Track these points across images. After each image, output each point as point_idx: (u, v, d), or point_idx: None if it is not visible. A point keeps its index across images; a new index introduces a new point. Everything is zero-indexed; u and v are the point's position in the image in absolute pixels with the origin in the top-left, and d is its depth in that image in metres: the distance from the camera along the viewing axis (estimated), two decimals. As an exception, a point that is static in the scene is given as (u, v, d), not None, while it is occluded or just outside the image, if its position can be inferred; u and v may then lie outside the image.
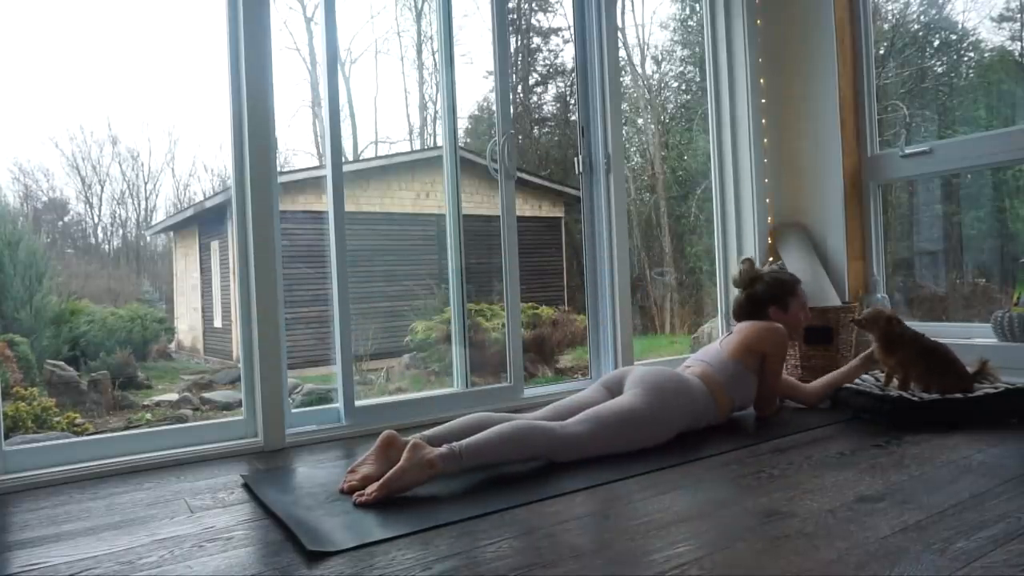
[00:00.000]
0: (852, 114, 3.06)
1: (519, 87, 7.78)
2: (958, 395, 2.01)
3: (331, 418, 2.23)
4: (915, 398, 2.02)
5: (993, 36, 3.24)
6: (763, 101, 3.19)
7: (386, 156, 5.94)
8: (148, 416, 4.21)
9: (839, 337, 2.71)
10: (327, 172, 2.25)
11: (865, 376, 2.32)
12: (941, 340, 2.15)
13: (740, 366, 2.08)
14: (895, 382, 2.16)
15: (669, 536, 1.22)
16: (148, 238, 5.74)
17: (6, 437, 1.80)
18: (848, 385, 2.23)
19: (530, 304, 5.75)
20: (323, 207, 2.28)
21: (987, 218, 3.26)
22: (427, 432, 1.66)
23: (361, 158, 5.90)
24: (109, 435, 1.95)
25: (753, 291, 2.30)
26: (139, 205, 5.36)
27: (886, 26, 3.46)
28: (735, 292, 2.43)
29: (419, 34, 6.18)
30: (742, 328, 2.18)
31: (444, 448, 1.52)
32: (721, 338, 2.26)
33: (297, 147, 5.67)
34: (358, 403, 2.25)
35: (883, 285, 3.06)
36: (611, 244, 2.77)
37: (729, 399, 2.05)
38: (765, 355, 2.11)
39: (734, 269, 3.10)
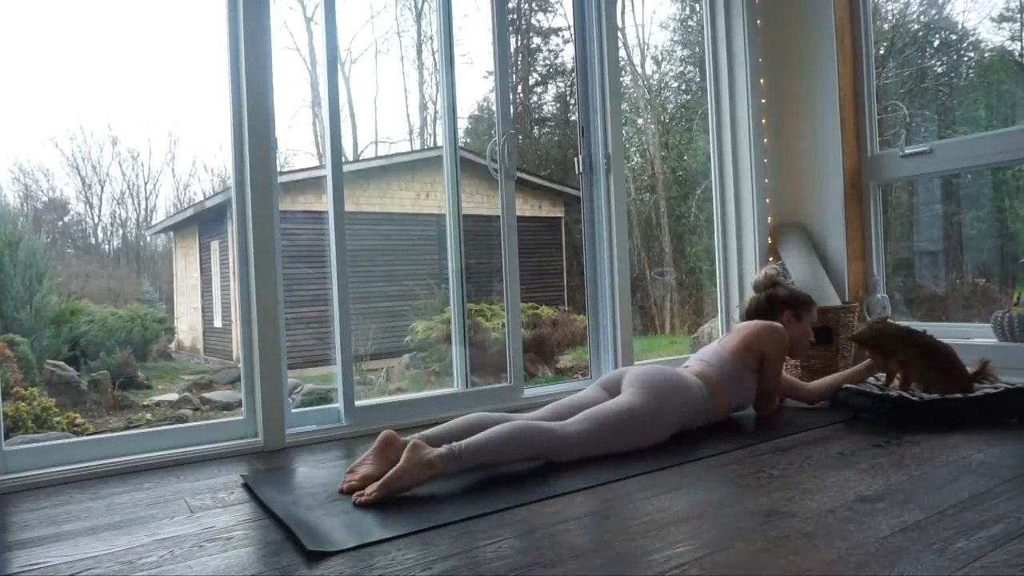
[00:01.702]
0: (852, 114, 3.06)
1: (519, 87, 7.78)
2: (958, 395, 2.01)
3: (331, 418, 2.23)
4: (915, 398, 2.02)
5: (993, 36, 3.24)
6: (763, 101, 3.19)
7: (386, 156, 5.93)
8: (148, 416, 4.21)
9: (839, 337, 2.71)
10: (327, 172, 2.25)
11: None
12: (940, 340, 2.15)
13: (738, 364, 2.08)
14: (896, 382, 2.16)
15: (669, 536, 1.22)
16: (148, 238, 5.74)
17: (6, 437, 1.80)
18: (848, 385, 2.24)
19: (530, 304, 5.75)
20: (323, 207, 2.28)
21: (987, 218, 3.26)
22: (426, 432, 1.66)
23: (361, 158, 5.90)
24: (109, 435, 1.95)
25: (775, 292, 2.32)
26: (139, 205, 5.36)
27: (886, 26, 3.46)
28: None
29: (419, 34, 6.18)
30: (742, 327, 2.19)
31: (444, 448, 1.52)
32: (720, 338, 2.26)
33: (297, 147, 5.67)
34: (358, 403, 2.26)
35: (883, 285, 3.06)
36: (611, 244, 2.77)
37: (727, 397, 2.05)
38: (764, 354, 2.11)
39: (735, 269, 3.12)
